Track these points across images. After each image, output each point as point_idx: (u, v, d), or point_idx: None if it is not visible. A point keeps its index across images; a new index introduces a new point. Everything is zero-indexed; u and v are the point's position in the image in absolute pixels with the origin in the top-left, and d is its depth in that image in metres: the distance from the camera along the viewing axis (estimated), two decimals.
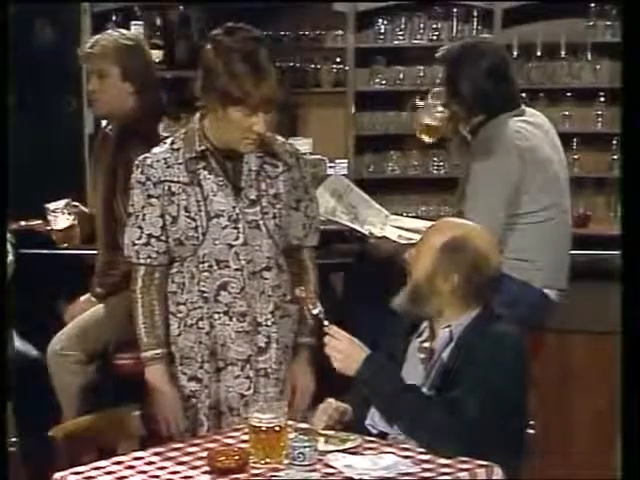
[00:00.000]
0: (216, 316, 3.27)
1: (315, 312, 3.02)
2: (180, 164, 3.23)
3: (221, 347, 3.28)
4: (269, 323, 3.29)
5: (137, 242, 3.29)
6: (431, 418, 2.80)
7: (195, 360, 3.30)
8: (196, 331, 3.28)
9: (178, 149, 3.25)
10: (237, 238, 3.23)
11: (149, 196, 3.25)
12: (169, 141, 3.30)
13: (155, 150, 3.29)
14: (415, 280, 3.01)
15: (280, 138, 3.38)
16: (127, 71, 3.94)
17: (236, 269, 3.24)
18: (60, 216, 4.08)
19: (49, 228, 4.11)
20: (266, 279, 3.27)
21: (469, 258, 2.97)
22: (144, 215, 3.27)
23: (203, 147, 3.22)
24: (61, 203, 4.10)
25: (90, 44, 4.04)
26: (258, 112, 3.11)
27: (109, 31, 4.22)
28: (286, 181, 3.30)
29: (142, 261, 3.29)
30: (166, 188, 3.23)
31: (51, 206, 4.10)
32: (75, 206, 4.11)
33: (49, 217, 4.09)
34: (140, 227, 3.28)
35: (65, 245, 4.13)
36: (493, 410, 2.81)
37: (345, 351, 2.92)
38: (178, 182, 3.23)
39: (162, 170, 3.24)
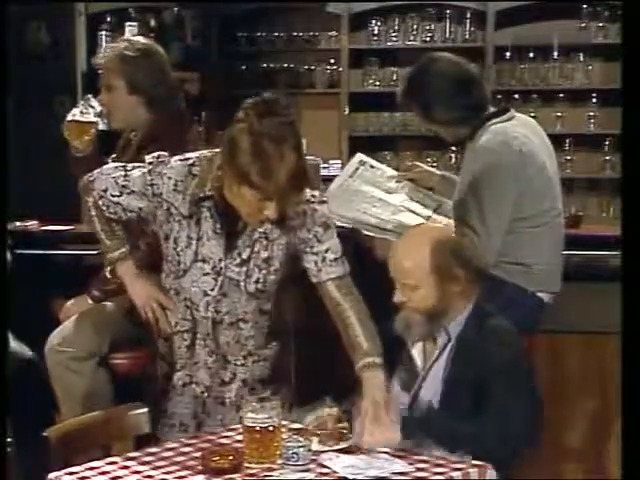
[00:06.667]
0: (199, 336, 3.26)
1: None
2: (187, 194, 3.12)
3: (193, 365, 3.27)
4: (238, 363, 3.26)
5: (110, 197, 3.22)
6: (486, 440, 2.80)
7: (176, 364, 3.30)
8: (181, 339, 3.28)
9: (194, 176, 3.12)
10: (213, 289, 3.17)
11: (144, 194, 3.18)
12: (191, 160, 3.15)
13: (174, 162, 3.17)
14: (425, 307, 2.97)
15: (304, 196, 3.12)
16: (133, 84, 3.86)
17: (203, 317, 3.20)
18: (89, 110, 3.93)
19: (69, 121, 3.92)
20: (242, 329, 3.23)
21: (456, 250, 2.99)
22: (130, 193, 3.20)
23: (212, 193, 3.09)
24: (97, 104, 3.96)
25: (100, 55, 3.99)
26: (272, 199, 2.94)
27: (123, 38, 4.09)
28: (282, 244, 3.16)
29: (100, 203, 3.24)
30: (165, 207, 3.15)
31: (91, 100, 3.96)
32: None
33: (78, 105, 3.97)
34: (121, 193, 3.20)
35: (70, 139, 3.95)
36: (527, 410, 2.86)
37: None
38: (177, 210, 3.14)
39: (167, 190, 3.13)
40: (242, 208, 3.02)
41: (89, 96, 4.01)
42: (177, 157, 3.19)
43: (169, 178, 3.14)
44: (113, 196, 3.23)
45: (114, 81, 3.90)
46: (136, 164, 3.27)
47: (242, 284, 3.16)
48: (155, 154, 3.23)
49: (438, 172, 4.19)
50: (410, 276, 2.98)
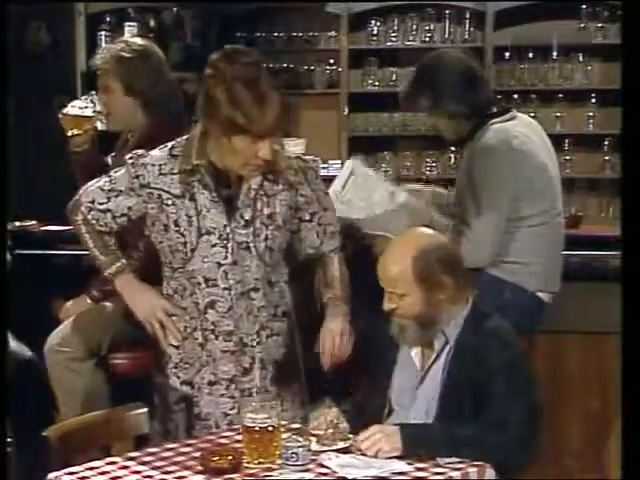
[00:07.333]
0: (208, 331, 3.26)
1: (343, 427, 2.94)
2: (174, 174, 3.18)
3: (213, 361, 3.27)
4: (254, 343, 3.26)
5: (98, 206, 3.26)
6: (486, 442, 2.79)
7: (193, 367, 3.29)
8: (192, 340, 3.28)
9: (176, 156, 3.19)
10: (226, 257, 3.18)
11: (131, 190, 3.22)
12: (170, 145, 3.24)
13: (154, 152, 3.24)
14: (415, 315, 2.96)
15: (289, 152, 3.30)
16: (129, 86, 3.87)
17: (224, 288, 3.20)
18: (89, 105, 3.98)
19: (65, 113, 3.97)
20: (253, 299, 3.23)
21: (440, 254, 2.97)
22: (118, 195, 3.24)
23: (199, 162, 3.14)
24: (97, 102, 4.01)
25: (97, 57, 3.98)
26: (264, 139, 3.03)
27: (120, 39, 4.12)
28: (284, 200, 3.23)
29: (90, 217, 3.27)
30: (155, 195, 3.19)
31: (93, 97, 4.01)
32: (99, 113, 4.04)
33: (79, 99, 4.02)
34: (108, 198, 3.25)
35: (67, 130, 3.98)
36: (527, 411, 2.85)
37: (383, 439, 2.80)
38: (168, 193, 3.18)
39: (154, 177, 3.19)
40: (236, 161, 3.09)
41: (93, 92, 4.03)
42: (155, 149, 3.25)
43: (152, 165, 3.20)
44: (101, 204, 3.26)
45: (111, 83, 3.92)
46: (117, 168, 3.30)
47: (252, 245, 3.19)
48: (133, 151, 3.28)
49: (428, 188, 4.18)
50: (396, 284, 2.97)
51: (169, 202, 3.18)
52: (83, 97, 4.05)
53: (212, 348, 3.25)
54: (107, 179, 3.28)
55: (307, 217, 3.31)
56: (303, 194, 3.27)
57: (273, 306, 3.29)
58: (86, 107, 3.99)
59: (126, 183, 3.23)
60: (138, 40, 4.07)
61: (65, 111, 3.99)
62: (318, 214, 3.32)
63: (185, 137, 3.23)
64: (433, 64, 3.90)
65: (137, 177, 3.21)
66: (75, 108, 3.98)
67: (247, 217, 3.18)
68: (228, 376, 3.26)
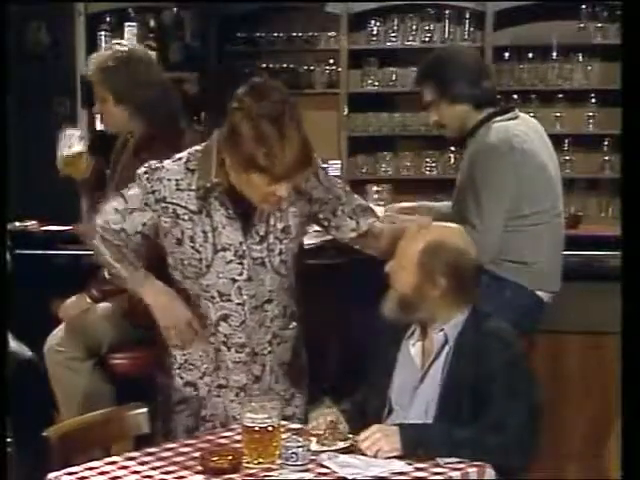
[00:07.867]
0: (220, 342, 3.23)
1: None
2: (191, 190, 3.13)
3: (226, 369, 3.26)
4: (265, 352, 3.25)
5: (113, 226, 3.20)
6: (487, 445, 2.79)
7: (198, 370, 3.28)
8: (206, 344, 3.26)
9: (193, 171, 3.14)
10: (241, 273, 3.16)
11: (146, 204, 3.17)
12: (184, 158, 3.17)
13: (168, 164, 3.18)
14: (402, 291, 2.99)
15: None
16: (118, 94, 3.85)
17: (238, 303, 3.18)
18: (72, 141, 3.97)
19: (60, 166, 3.96)
20: (266, 311, 3.22)
21: (450, 258, 2.97)
22: (132, 212, 3.19)
23: (218, 180, 3.10)
24: (75, 131, 4.03)
25: (88, 66, 3.98)
26: (282, 181, 2.98)
27: (107, 45, 4.16)
28: (296, 211, 3.20)
29: (108, 236, 3.22)
30: (170, 210, 3.15)
31: (67, 131, 4.01)
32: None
33: (60, 142, 3.99)
34: (123, 217, 3.20)
35: (69, 174, 3.99)
36: (527, 412, 2.85)
37: (382, 439, 2.80)
38: (185, 208, 3.13)
39: (170, 192, 3.14)
40: (254, 196, 3.05)
41: (65, 129, 4.01)
42: (168, 160, 3.20)
43: (169, 180, 3.15)
44: (116, 223, 3.21)
45: (102, 92, 3.90)
46: (130, 184, 3.24)
47: (266, 260, 3.17)
48: (146, 164, 3.22)
49: (415, 204, 4.17)
50: (402, 255, 3.01)
51: (185, 217, 3.14)
52: (61, 139, 4.01)
53: (224, 358, 3.24)
54: (121, 199, 3.22)
55: (330, 216, 3.27)
56: (317, 198, 3.23)
57: (283, 312, 3.27)
58: (72, 144, 3.97)
59: (140, 201, 3.17)
60: (123, 46, 4.01)
61: (60, 164, 3.96)
62: (341, 207, 3.28)
63: (199, 149, 3.18)
64: (443, 54, 3.99)
65: (153, 192, 3.15)
66: (64, 153, 3.96)
67: (262, 233, 3.16)
68: (239, 385, 3.26)
